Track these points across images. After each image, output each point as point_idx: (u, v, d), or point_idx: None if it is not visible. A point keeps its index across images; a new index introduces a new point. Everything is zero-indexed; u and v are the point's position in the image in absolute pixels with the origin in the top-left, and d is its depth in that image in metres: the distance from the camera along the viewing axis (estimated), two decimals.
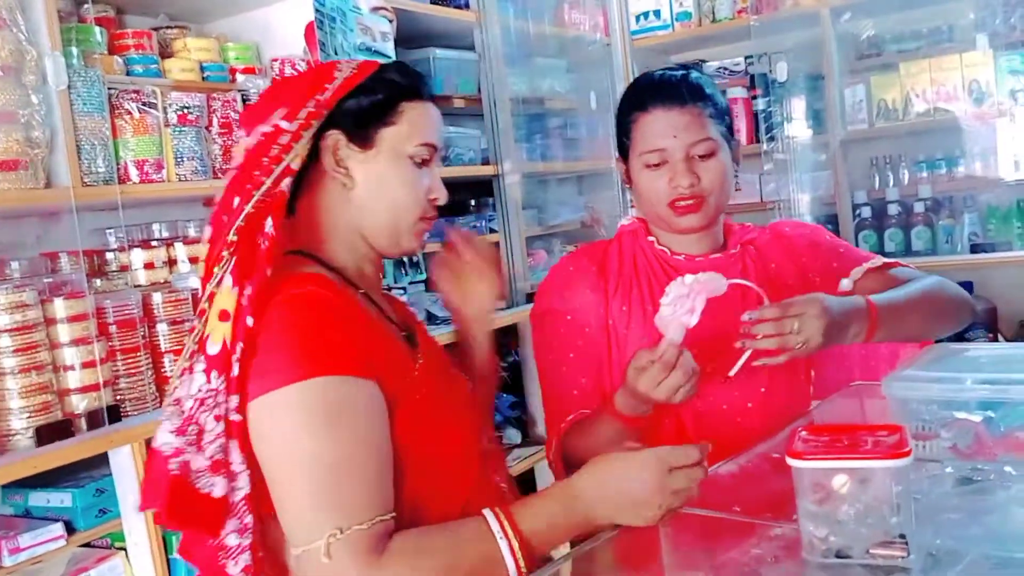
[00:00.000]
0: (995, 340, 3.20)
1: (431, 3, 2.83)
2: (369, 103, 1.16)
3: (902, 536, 1.07)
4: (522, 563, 1.05)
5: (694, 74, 1.52)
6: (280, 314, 1.05)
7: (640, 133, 1.47)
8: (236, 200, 1.09)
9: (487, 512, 1.07)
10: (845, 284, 1.59)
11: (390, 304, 1.30)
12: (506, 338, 3.02)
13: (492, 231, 2.98)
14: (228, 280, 1.05)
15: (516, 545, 1.05)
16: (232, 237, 1.06)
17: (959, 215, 3.14)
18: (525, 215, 3.23)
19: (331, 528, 0.98)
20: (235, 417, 1.04)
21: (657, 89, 1.48)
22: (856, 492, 1.08)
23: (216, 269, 1.06)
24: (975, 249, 3.08)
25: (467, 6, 2.90)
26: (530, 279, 3.08)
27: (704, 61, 3.72)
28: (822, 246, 1.64)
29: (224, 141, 2.04)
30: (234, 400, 1.04)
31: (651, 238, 1.56)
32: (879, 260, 1.65)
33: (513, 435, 2.94)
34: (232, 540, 1.06)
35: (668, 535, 1.32)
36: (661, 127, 1.44)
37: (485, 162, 2.96)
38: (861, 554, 1.07)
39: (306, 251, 1.18)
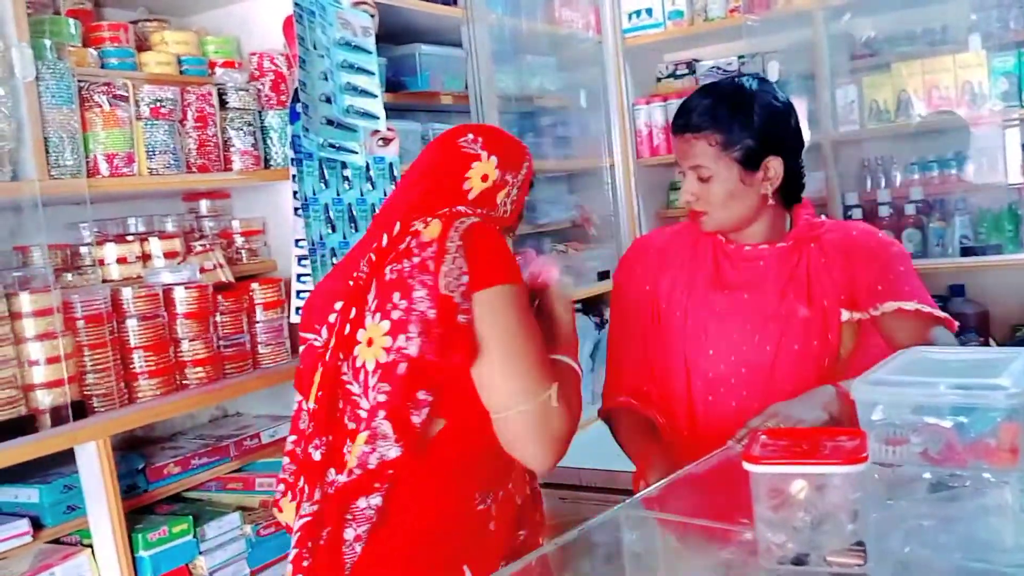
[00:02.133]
0: (987, 344, 3.17)
1: None
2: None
3: (860, 544, 1.04)
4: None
5: (724, 97, 1.67)
6: (476, 233, 1.32)
7: (674, 149, 1.74)
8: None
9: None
10: (856, 315, 1.68)
11: None
12: None
13: None
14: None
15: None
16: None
17: (950, 218, 3.10)
18: None
19: (544, 388, 1.32)
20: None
21: (678, 114, 1.71)
22: (813, 498, 1.06)
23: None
24: (966, 252, 3.05)
25: (455, 2, 2.87)
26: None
27: (697, 60, 3.70)
28: (878, 263, 1.68)
29: (199, 135, 2.02)
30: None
31: None
32: (915, 305, 1.66)
33: None
34: None
35: (636, 540, 1.30)
36: (678, 150, 1.70)
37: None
38: (818, 561, 1.05)
39: None
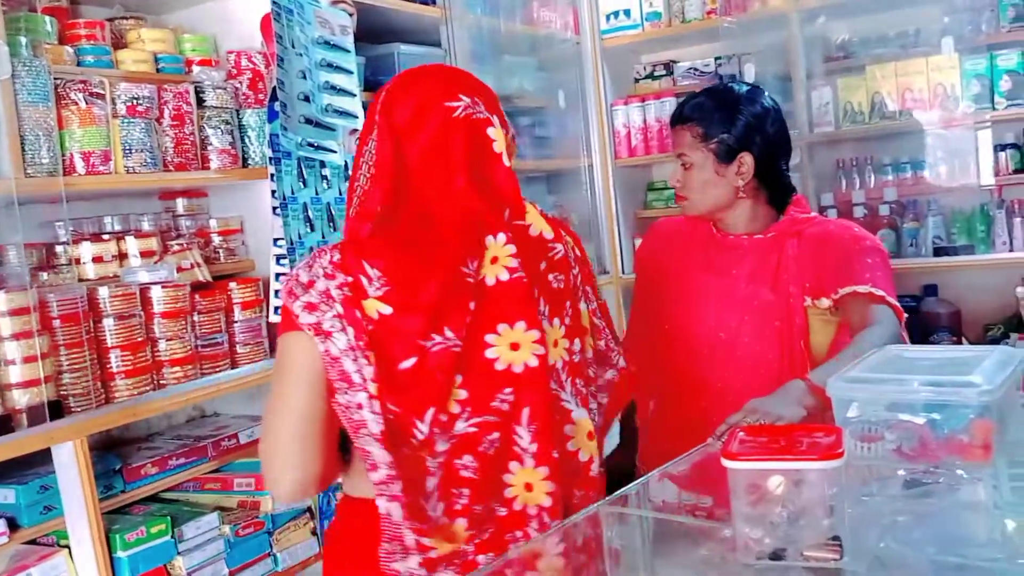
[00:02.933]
0: (959, 343, 3.21)
1: None
2: None
3: (836, 538, 1.06)
4: None
5: (711, 94, 1.91)
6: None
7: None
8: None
9: None
10: (821, 302, 1.81)
11: None
12: None
13: None
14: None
15: None
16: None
17: (923, 218, 3.15)
18: None
19: None
20: None
21: (676, 110, 1.94)
22: (790, 494, 1.07)
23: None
24: (939, 252, 3.09)
25: (433, 2, 2.88)
26: None
27: (675, 61, 3.72)
28: (847, 253, 1.82)
29: (176, 133, 2.01)
30: None
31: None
32: (868, 289, 1.75)
33: None
34: None
35: (615, 537, 1.31)
36: (672, 139, 1.94)
37: None
38: (795, 556, 1.06)
39: None
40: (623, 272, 3.64)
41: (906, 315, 1.80)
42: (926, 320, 3.24)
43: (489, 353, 1.27)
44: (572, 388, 1.37)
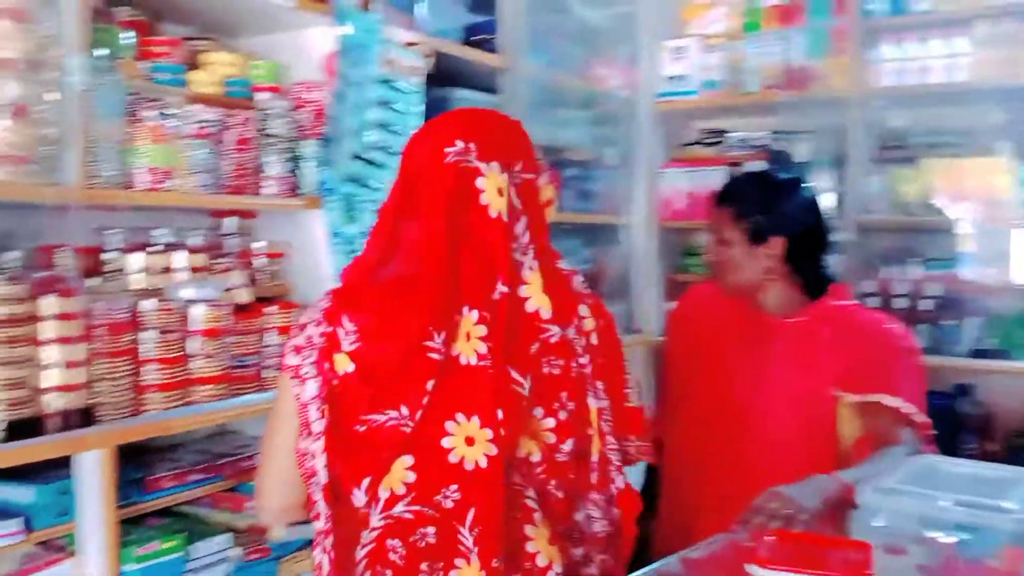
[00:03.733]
0: (987, 446, 3.18)
1: (463, 43, 2.85)
2: None
3: None
4: None
5: (752, 176, 2.07)
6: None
7: None
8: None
9: None
10: (849, 397, 1.83)
11: None
12: None
13: None
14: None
15: None
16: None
17: (964, 317, 3.12)
18: None
19: None
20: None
21: (719, 188, 2.04)
22: None
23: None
24: (976, 354, 3.06)
25: (496, 51, 2.91)
26: None
27: (725, 131, 3.73)
28: (879, 352, 1.85)
29: (236, 158, 2.04)
30: None
31: None
32: (896, 403, 1.79)
33: None
34: None
35: None
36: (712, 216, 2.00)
37: None
38: None
39: None
40: (653, 333, 3.63)
41: (933, 432, 1.79)
42: (956, 420, 3.20)
43: (445, 442, 1.20)
44: (544, 487, 1.25)
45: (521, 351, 1.22)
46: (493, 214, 1.23)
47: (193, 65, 2.15)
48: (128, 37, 1.94)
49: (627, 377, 1.39)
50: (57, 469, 1.80)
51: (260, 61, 2.28)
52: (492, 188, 1.24)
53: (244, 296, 2.10)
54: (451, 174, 1.25)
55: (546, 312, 1.25)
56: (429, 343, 1.19)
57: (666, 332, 2.17)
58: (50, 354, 1.66)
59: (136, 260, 1.97)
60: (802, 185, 1.97)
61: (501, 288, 1.21)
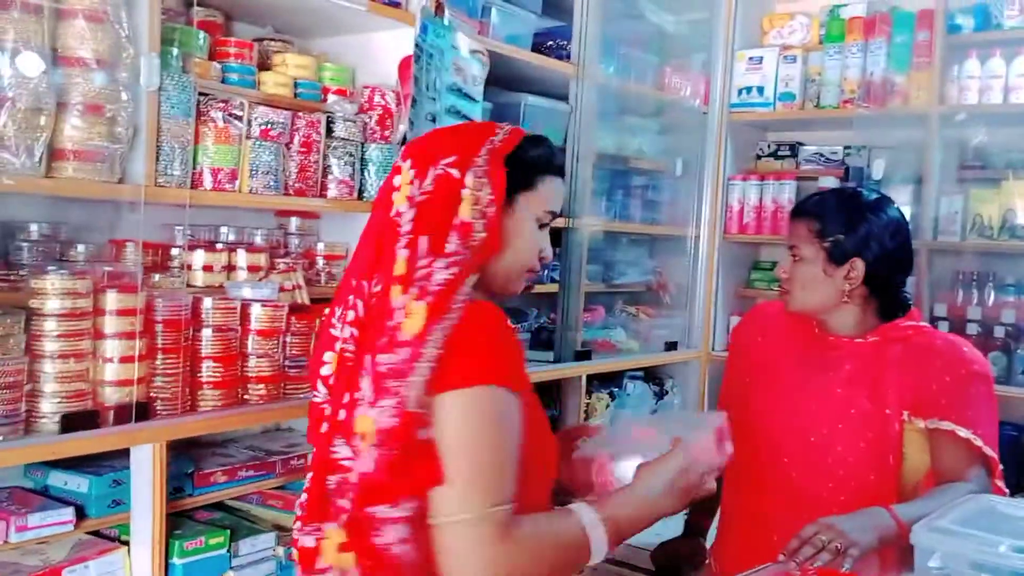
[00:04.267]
0: None
1: (532, 51, 2.84)
2: (516, 171, 1.35)
3: None
4: (607, 549, 1.31)
5: (840, 195, 1.90)
6: (469, 323, 1.24)
7: None
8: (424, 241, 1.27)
9: (581, 506, 1.32)
10: (918, 422, 1.76)
11: None
12: (546, 393, 2.98)
13: (554, 280, 2.96)
14: (422, 310, 1.24)
15: (605, 529, 1.30)
16: (434, 287, 1.25)
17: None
18: (589, 271, 3.20)
19: (488, 504, 1.19)
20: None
21: (800, 201, 1.94)
22: None
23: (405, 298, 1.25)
24: None
25: (568, 57, 2.90)
26: (584, 335, 3.05)
27: (801, 144, 3.65)
28: (951, 377, 1.74)
29: (301, 160, 2.07)
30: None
31: None
32: (968, 435, 1.69)
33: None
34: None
35: None
36: (788, 230, 1.91)
37: (560, 213, 2.94)
38: None
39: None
40: (713, 348, 3.57)
41: (1001, 466, 1.72)
42: None
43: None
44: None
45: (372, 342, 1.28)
46: (392, 212, 1.32)
47: (265, 66, 2.19)
48: (201, 37, 1.98)
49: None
50: (113, 459, 1.85)
51: (330, 64, 2.31)
52: (402, 183, 1.34)
53: (302, 296, 2.13)
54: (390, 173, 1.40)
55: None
56: (332, 330, 1.34)
57: (729, 348, 2.10)
58: (109, 348, 1.70)
59: (198, 257, 2.01)
60: (890, 205, 1.86)
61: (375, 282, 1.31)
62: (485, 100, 2.76)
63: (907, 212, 3.20)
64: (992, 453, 1.70)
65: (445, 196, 1.30)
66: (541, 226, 1.42)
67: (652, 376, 3.47)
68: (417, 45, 2.13)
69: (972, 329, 3.10)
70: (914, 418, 1.75)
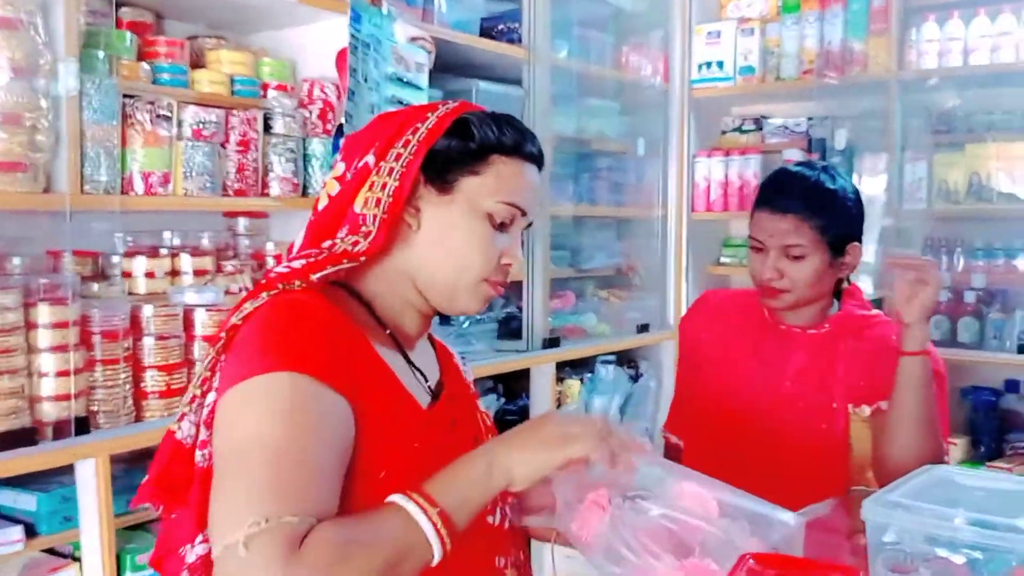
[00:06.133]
0: None
1: (482, 35, 2.79)
2: (457, 146, 1.13)
3: None
4: (447, 539, 0.99)
5: (819, 180, 1.70)
6: (260, 312, 1.05)
7: (754, 221, 1.72)
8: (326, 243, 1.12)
9: (399, 497, 0.99)
10: (864, 410, 1.72)
11: (436, 354, 1.28)
12: (517, 382, 2.95)
13: None
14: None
15: (439, 522, 0.98)
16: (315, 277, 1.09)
17: (1011, 311, 2.97)
18: (557, 256, 3.16)
19: (257, 517, 0.89)
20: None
21: (774, 192, 1.72)
22: None
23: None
24: (1023, 350, 2.91)
25: (519, 41, 2.85)
26: (552, 323, 3.01)
27: (766, 117, 3.61)
28: (889, 366, 1.65)
29: (239, 159, 2.02)
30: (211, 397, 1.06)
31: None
32: None
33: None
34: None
35: None
36: (764, 225, 1.69)
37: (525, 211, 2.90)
38: None
39: (346, 281, 1.16)
40: None
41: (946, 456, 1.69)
42: (1004, 417, 3.07)
43: None
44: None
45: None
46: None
47: (200, 64, 2.14)
48: (128, 38, 1.92)
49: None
50: (62, 475, 1.81)
51: (269, 59, 2.26)
52: (330, 178, 1.20)
53: None
54: None
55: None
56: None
57: (679, 337, 2.01)
58: (44, 363, 1.66)
59: (139, 264, 1.96)
60: (847, 176, 1.80)
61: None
62: (435, 88, 2.72)
63: (872, 181, 3.18)
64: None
65: (356, 188, 1.13)
66: (501, 226, 1.14)
67: (626, 359, 3.43)
68: (352, 35, 2.08)
69: (942, 296, 3.07)
70: (857, 407, 1.72)
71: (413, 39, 2.26)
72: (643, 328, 3.38)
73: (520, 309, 2.96)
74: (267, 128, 2.10)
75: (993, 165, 3.05)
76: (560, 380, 3.07)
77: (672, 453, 2.03)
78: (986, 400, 3.09)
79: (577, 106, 3.21)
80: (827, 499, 1.58)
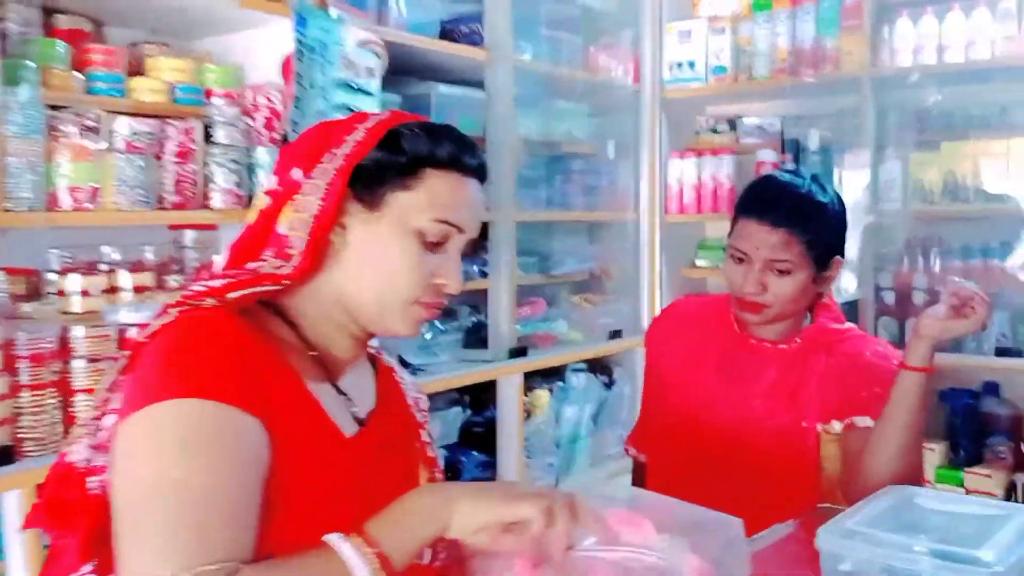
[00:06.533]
0: (1017, 448, 2.97)
1: (443, 38, 2.71)
2: (387, 160, 1.06)
3: None
4: None
5: (810, 192, 1.63)
6: (166, 331, 0.98)
7: (738, 230, 1.64)
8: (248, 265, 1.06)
9: (335, 538, 0.92)
10: (835, 425, 1.66)
11: (376, 377, 1.22)
12: (485, 393, 2.87)
13: (484, 275, 2.84)
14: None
15: (377, 565, 0.92)
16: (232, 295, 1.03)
17: (989, 313, 2.89)
18: (527, 262, 3.09)
19: (174, 567, 0.85)
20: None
21: (764, 201, 1.63)
22: None
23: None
24: (1001, 352, 2.84)
25: (482, 42, 2.77)
26: (521, 331, 2.94)
27: (739, 117, 3.54)
28: (873, 382, 1.62)
29: (178, 171, 1.94)
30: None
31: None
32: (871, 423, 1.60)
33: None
34: None
35: None
36: (751, 236, 1.61)
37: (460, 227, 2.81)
38: None
39: (272, 300, 1.10)
40: None
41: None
42: (983, 420, 3.00)
43: None
44: None
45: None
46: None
47: (141, 72, 2.05)
48: (61, 47, 1.84)
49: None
50: None
51: (213, 65, 2.17)
52: (262, 192, 1.15)
53: None
54: None
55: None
56: None
57: (646, 348, 1.92)
58: None
59: (73, 282, 1.88)
60: (832, 186, 1.72)
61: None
62: (393, 92, 2.64)
63: (848, 181, 3.11)
64: None
65: (280, 207, 1.09)
66: (435, 245, 1.07)
67: (599, 366, 3.36)
68: (298, 40, 2.00)
69: (918, 298, 3.00)
70: (831, 422, 1.67)
71: (363, 43, 2.18)
72: (615, 334, 3.31)
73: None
74: (209, 138, 2.01)
75: (969, 164, 2.98)
76: (531, 389, 2.99)
77: (636, 468, 1.96)
78: (965, 403, 3.02)
79: (544, 108, 3.14)
80: (790, 520, 1.53)
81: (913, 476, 1.57)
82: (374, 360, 1.25)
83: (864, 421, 1.62)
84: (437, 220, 1.07)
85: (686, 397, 1.77)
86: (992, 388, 3.00)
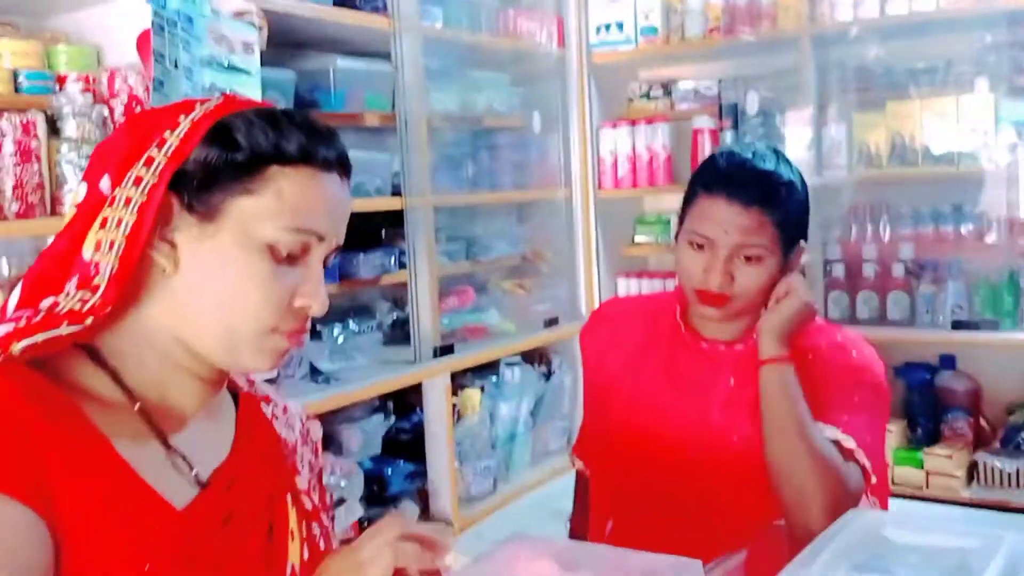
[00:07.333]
0: (976, 424, 2.83)
1: (341, 5, 2.43)
2: (219, 159, 0.86)
3: None
4: None
5: (779, 169, 1.41)
6: None
7: (698, 211, 1.41)
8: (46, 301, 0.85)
9: None
10: None
11: (237, 418, 1.00)
12: (409, 397, 2.63)
13: (403, 266, 2.58)
14: None
15: None
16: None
17: (943, 283, 2.73)
18: (450, 250, 2.84)
19: None
20: None
21: (731, 177, 1.40)
22: None
23: None
24: (957, 326, 2.68)
25: (385, 9, 2.49)
26: (447, 325, 2.70)
27: (674, 81, 3.32)
28: (835, 383, 1.44)
29: (18, 172, 1.65)
30: None
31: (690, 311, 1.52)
32: (836, 434, 1.39)
33: (411, 509, 2.55)
34: None
35: None
36: (718, 218, 1.38)
37: (396, 192, 2.56)
38: None
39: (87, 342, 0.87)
40: None
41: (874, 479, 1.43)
42: (940, 396, 2.85)
43: None
44: None
45: None
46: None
47: None
48: None
49: None
50: None
51: (65, 46, 1.88)
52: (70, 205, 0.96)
53: None
54: None
55: None
56: None
57: (582, 353, 1.68)
58: None
59: None
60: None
61: None
62: (288, 68, 2.37)
63: (790, 146, 2.91)
64: (866, 461, 1.39)
65: (87, 226, 0.87)
66: (290, 258, 0.89)
67: (537, 356, 3.13)
68: (155, 13, 1.72)
69: (868, 270, 2.83)
70: None
71: (238, 14, 1.90)
72: (552, 322, 3.08)
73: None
74: (55, 131, 1.72)
75: (916, 124, 2.79)
76: (461, 388, 2.75)
77: (579, 483, 1.74)
78: (920, 378, 2.87)
79: (460, 80, 2.88)
80: (740, 550, 1.33)
81: (832, 480, 1.35)
82: (236, 394, 1.02)
83: (832, 431, 1.42)
84: (290, 228, 0.87)
85: (630, 411, 1.54)
86: (948, 362, 2.85)
